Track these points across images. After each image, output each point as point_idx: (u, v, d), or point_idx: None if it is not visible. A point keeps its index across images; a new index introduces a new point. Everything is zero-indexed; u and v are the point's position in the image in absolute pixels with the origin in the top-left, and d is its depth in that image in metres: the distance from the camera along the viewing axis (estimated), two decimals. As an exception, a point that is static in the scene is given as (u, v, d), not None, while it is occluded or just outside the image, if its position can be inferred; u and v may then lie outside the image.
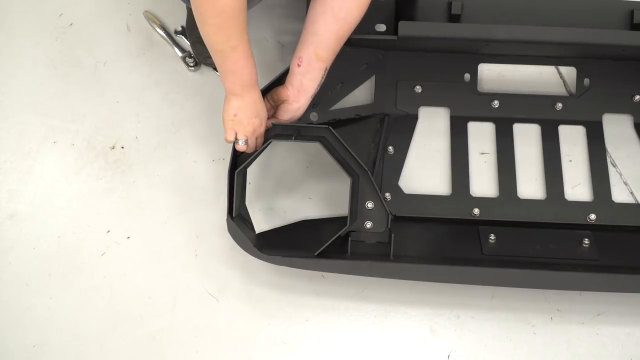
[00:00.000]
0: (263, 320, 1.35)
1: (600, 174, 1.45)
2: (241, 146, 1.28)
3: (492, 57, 1.53)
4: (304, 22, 1.31)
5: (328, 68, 1.32)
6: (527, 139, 1.49)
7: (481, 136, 1.50)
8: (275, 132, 1.32)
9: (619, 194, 1.44)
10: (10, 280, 1.40)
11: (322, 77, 1.32)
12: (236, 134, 1.27)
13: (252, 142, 1.29)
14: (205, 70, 1.59)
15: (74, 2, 1.67)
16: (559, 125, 1.50)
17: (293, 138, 1.29)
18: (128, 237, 1.44)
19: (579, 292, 1.35)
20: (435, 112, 1.53)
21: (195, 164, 1.50)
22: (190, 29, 1.59)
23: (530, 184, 1.45)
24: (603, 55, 1.49)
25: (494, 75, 1.56)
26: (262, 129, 1.29)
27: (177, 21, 1.62)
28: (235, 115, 1.25)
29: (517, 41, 1.40)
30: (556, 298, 1.35)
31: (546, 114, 1.50)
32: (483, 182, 1.46)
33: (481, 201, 1.43)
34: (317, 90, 1.34)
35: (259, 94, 1.26)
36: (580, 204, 1.42)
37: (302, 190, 1.47)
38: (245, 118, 1.25)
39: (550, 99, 1.51)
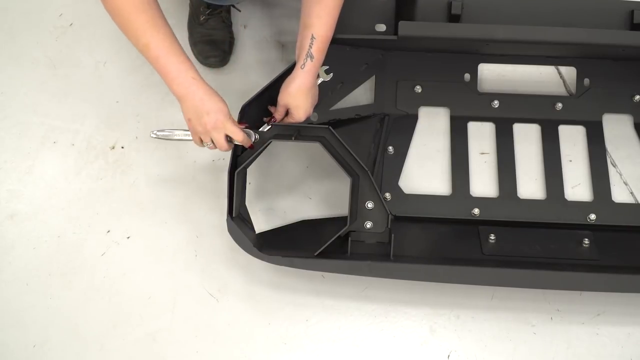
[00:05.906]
0: (263, 320, 1.35)
1: (600, 174, 1.45)
2: (211, 147, 1.23)
3: (492, 57, 1.53)
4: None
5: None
6: (527, 139, 1.49)
7: (481, 136, 1.50)
8: (275, 132, 1.32)
9: (619, 194, 1.44)
10: (10, 280, 1.40)
11: None
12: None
13: (219, 140, 1.20)
14: (205, 70, 1.58)
15: (74, 2, 1.67)
16: (559, 125, 1.50)
17: (293, 138, 1.29)
18: (128, 237, 1.43)
19: (579, 292, 1.35)
20: (435, 112, 1.52)
21: (195, 164, 1.50)
22: (191, 29, 1.59)
23: (530, 184, 1.45)
24: (603, 55, 1.49)
25: (494, 75, 1.56)
26: (219, 124, 1.18)
27: (177, 21, 1.62)
28: (189, 120, 1.19)
29: (517, 41, 1.40)
30: (556, 298, 1.34)
31: (546, 114, 1.50)
32: (483, 182, 1.46)
33: (481, 201, 1.42)
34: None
35: (203, 90, 1.17)
36: (580, 204, 1.42)
37: (302, 190, 1.47)
38: (196, 120, 1.18)
39: (550, 99, 1.51)
